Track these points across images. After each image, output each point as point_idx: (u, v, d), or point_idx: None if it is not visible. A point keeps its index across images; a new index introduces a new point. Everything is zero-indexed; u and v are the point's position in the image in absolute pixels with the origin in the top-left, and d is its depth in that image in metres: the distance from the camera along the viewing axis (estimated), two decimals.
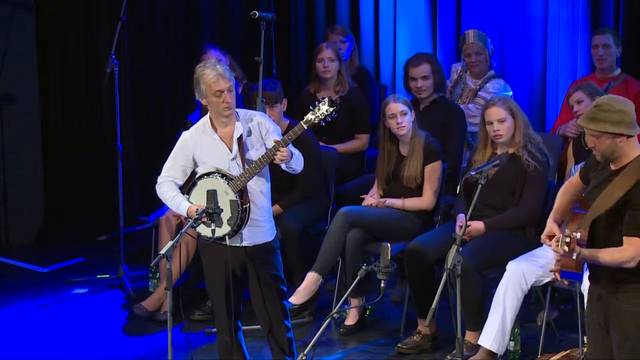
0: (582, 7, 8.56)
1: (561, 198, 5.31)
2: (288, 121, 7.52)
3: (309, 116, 5.86)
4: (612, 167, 5.03)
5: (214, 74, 5.86)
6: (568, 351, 6.54)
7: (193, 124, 7.41)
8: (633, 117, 4.97)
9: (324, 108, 5.85)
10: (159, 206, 7.84)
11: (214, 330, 6.51)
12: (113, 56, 8.04)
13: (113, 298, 8.00)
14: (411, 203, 7.22)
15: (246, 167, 5.88)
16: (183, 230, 5.82)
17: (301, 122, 5.85)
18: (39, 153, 9.20)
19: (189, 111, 7.95)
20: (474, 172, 6.05)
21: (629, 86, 7.90)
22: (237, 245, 5.97)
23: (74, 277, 8.36)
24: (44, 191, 9.26)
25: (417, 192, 7.22)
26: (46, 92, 9.25)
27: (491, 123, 6.83)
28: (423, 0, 9.29)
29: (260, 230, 6.02)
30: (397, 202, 7.24)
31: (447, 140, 7.66)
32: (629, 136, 4.93)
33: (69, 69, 9.28)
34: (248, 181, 5.87)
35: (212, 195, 5.78)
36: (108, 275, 8.31)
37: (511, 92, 8.17)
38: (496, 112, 6.82)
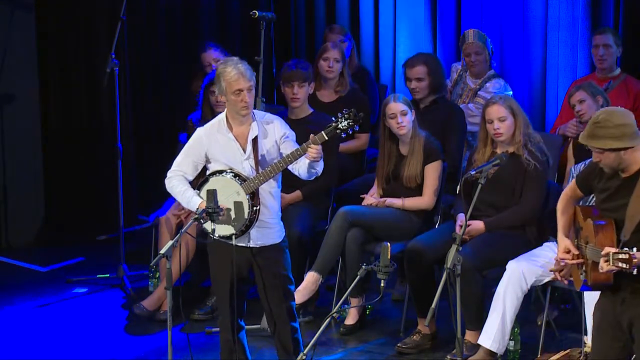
0: (582, 7, 8.56)
1: (564, 212, 5.33)
2: (312, 110, 7.54)
3: (330, 127, 5.82)
4: (623, 175, 5.03)
5: (235, 72, 5.83)
6: (568, 351, 6.55)
7: (193, 123, 7.44)
8: (634, 127, 4.96)
9: (346, 121, 5.83)
10: (159, 206, 7.84)
11: (214, 330, 6.51)
12: (113, 56, 8.04)
13: (113, 298, 8.00)
14: (411, 203, 7.22)
15: (259, 169, 5.86)
16: (183, 230, 5.82)
17: (322, 132, 5.79)
18: (39, 153, 9.20)
19: (189, 111, 7.94)
20: (474, 172, 6.06)
21: (629, 86, 7.90)
22: (245, 245, 5.96)
23: (74, 277, 8.36)
24: (44, 191, 9.26)
25: (417, 191, 7.22)
26: (46, 91, 9.25)
27: (491, 121, 6.83)
28: (423, 0, 9.28)
29: (269, 231, 6.00)
30: (397, 202, 7.23)
31: (447, 140, 7.65)
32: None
33: (69, 69, 9.27)
34: (263, 183, 5.85)
35: (212, 194, 5.77)
36: (108, 275, 8.30)
37: (511, 92, 8.16)
38: (496, 111, 6.82)
